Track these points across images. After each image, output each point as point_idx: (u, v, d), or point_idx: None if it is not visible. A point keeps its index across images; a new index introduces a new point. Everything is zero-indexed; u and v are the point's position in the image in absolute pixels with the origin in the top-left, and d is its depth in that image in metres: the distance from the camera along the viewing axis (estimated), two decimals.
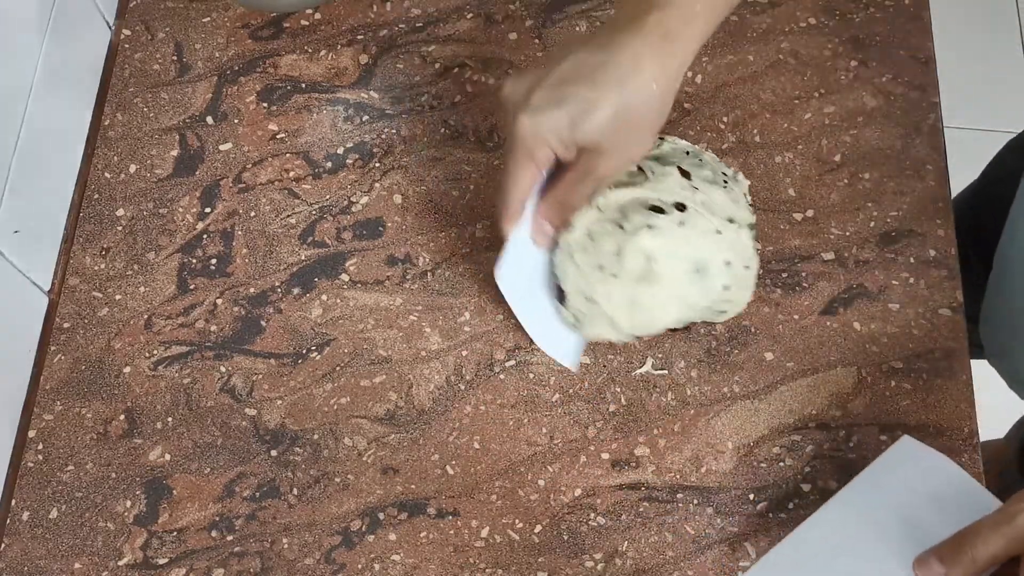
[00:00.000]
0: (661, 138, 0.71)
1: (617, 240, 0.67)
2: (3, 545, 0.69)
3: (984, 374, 0.85)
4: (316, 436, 0.71)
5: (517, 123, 0.61)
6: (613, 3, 0.85)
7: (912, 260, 0.75)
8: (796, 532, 0.61)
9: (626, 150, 0.63)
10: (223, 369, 0.74)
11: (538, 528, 0.68)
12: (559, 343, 0.72)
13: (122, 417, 0.73)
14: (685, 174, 0.68)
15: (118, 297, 0.76)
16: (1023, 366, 0.80)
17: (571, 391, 0.72)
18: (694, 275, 0.67)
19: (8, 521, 0.70)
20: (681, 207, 0.67)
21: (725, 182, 0.69)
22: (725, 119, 0.80)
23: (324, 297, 0.76)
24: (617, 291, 0.67)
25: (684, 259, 0.67)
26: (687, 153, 0.70)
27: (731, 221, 0.67)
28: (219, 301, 0.76)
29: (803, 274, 0.74)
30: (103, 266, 0.78)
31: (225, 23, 0.86)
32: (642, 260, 0.66)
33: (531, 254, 0.70)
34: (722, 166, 0.71)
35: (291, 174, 0.80)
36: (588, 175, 0.64)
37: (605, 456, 0.70)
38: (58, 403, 0.73)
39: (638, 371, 0.72)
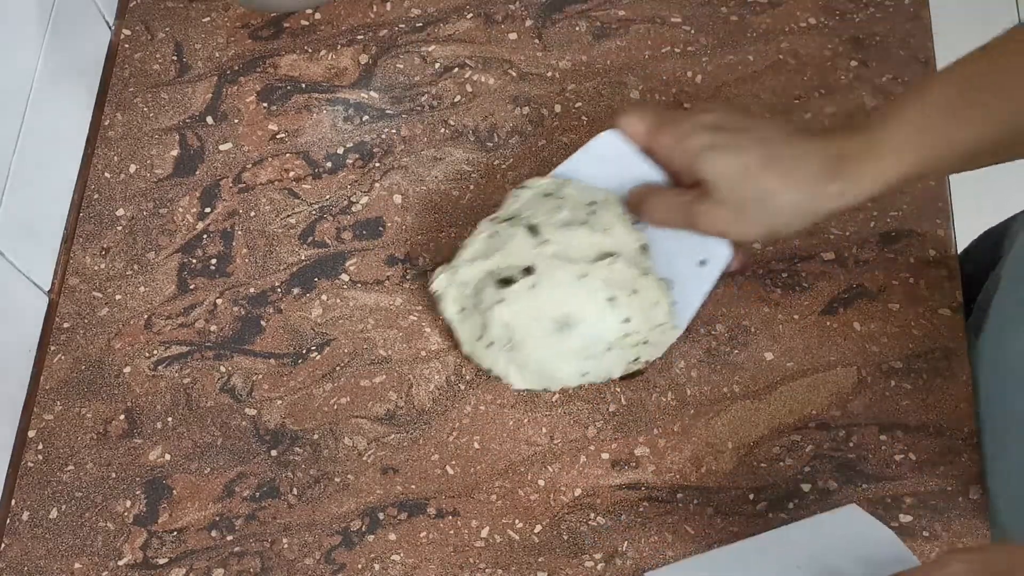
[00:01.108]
0: (522, 186, 0.72)
1: (479, 317, 0.69)
2: (3, 545, 0.69)
3: None
4: (316, 436, 0.71)
5: (674, 117, 0.68)
6: None
7: (912, 260, 0.74)
8: (716, 552, 0.61)
9: (736, 218, 0.65)
10: (223, 369, 0.74)
11: (538, 528, 0.68)
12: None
13: (122, 417, 0.73)
14: (533, 229, 0.68)
15: (118, 297, 0.76)
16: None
17: (571, 391, 0.72)
18: (563, 330, 0.67)
19: (8, 521, 0.70)
20: (529, 270, 0.67)
21: (593, 211, 0.68)
22: None
23: (324, 297, 0.76)
24: (500, 357, 0.69)
25: (544, 319, 0.67)
26: (546, 195, 0.70)
27: (605, 256, 0.67)
28: (219, 301, 0.76)
29: (803, 274, 0.74)
30: (103, 266, 0.78)
31: (225, 23, 0.86)
32: (504, 330, 0.68)
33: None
34: (590, 193, 0.70)
35: (291, 174, 0.80)
36: (687, 207, 0.66)
37: (605, 456, 0.70)
38: (58, 403, 0.73)
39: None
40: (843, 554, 0.56)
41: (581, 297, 0.67)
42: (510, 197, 0.72)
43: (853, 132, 0.62)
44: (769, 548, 0.59)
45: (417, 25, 0.85)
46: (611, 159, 0.71)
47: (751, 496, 0.68)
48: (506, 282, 0.68)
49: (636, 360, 0.69)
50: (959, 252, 0.75)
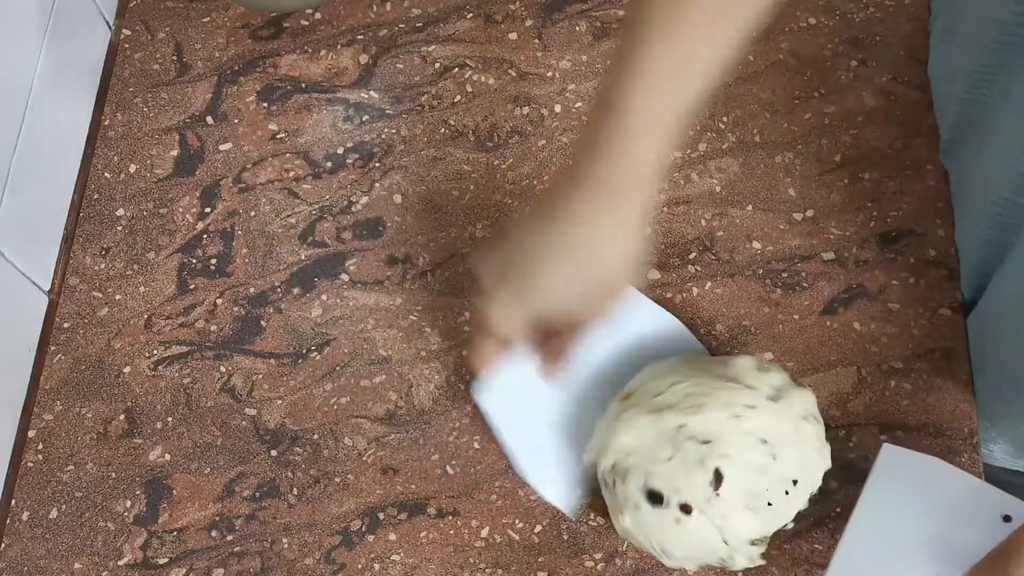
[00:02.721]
0: (750, 407, 0.61)
1: (611, 500, 0.64)
2: (3, 545, 0.69)
3: None
4: (316, 436, 0.71)
5: (490, 317, 0.62)
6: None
7: (912, 260, 0.74)
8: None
9: (603, 305, 0.64)
10: (223, 369, 0.74)
11: (538, 528, 0.68)
12: (553, 480, 0.67)
13: (122, 417, 0.73)
14: (718, 480, 0.59)
15: (118, 297, 0.76)
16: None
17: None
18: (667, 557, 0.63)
19: (8, 521, 0.70)
20: (687, 509, 0.60)
21: (787, 491, 0.61)
22: (725, 119, 0.80)
23: (324, 297, 0.76)
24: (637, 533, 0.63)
25: (658, 551, 0.62)
26: (763, 442, 0.61)
27: (753, 543, 0.61)
28: (219, 301, 0.76)
29: (803, 274, 0.74)
30: (103, 266, 0.78)
31: (225, 23, 0.86)
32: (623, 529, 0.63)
33: (529, 381, 0.67)
34: (811, 456, 0.62)
35: (291, 174, 0.80)
36: (574, 331, 0.66)
37: None
38: (58, 403, 0.73)
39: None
40: (930, 513, 0.56)
41: (701, 555, 0.62)
42: (715, 395, 0.62)
43: (601, 162, 0.59)
44: (864, 550, 0.58)
45: (417, 25, 0.85)
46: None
47: None
48: (655, 498, 0.60)
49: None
50: None
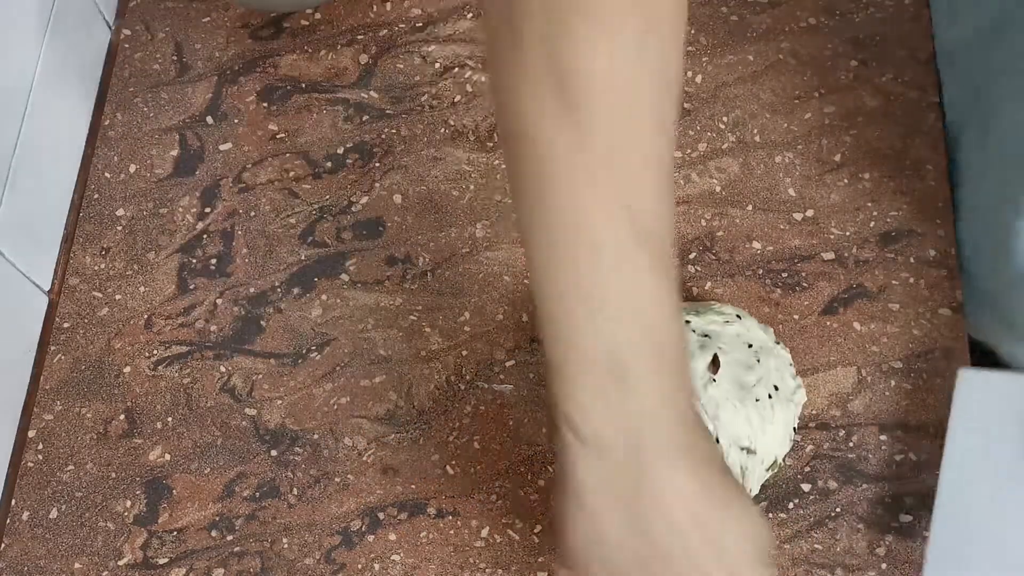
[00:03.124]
0: (738, 316, 0.68)
1: None
2: (3, 545, 0.69)
3: None
4: (316, 436, 0.71)
5: None
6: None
7: (912, 260, 0.74)
8: (936, 527, 0.58)
9: None
10: (223, 369, 0.74)
11: (538, 528, 0.68)
12: None
13: (122, 417, 0.73)
14: (715, 364, 0.64)
15: (118, 297, 0.76)
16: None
17: None
18: None
19: (8, 521, 0.70)
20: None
21: (769, 395, 0.64)
22: (725, 119, 0.80)
23: (324, 297, 0.76)
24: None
25: None
26: (749, 346, 0.66)
27: (742, 449, 0.63)
28: (219, 301, 0.76)
29: (803, 274, 0.74)
30: (103, 266, 0.78)
31: (225, 23, 0.86)
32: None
33: None
34: (787, 378, 0.66)
35: (291, 174, 0.80)
36: None
37: None
38: (58, 403, 0.73)
39: None
40: None
41: None
42: (709, 307, 0.68)
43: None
44: (980, 468, 0.58)
45: (417, 25, 0.85)
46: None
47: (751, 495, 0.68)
48: None
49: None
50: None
